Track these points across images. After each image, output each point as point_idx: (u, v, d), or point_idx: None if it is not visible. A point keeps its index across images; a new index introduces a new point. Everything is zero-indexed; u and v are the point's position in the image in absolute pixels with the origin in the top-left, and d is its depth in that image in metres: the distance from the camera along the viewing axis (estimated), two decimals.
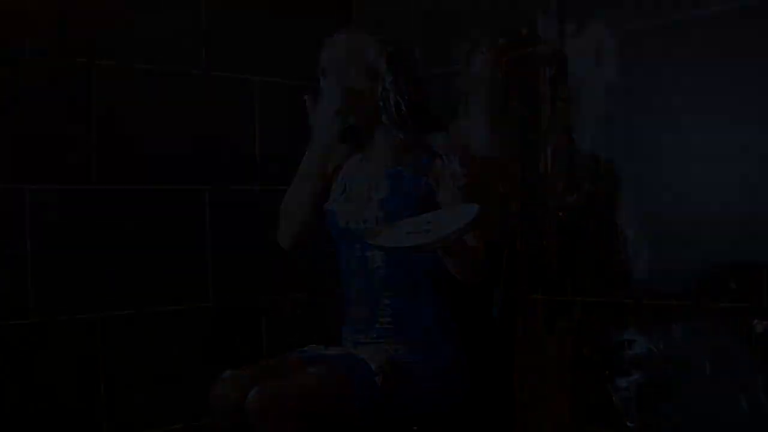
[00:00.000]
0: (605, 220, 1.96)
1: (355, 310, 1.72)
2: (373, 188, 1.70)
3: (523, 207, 2.12)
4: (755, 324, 1.69)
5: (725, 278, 1.75)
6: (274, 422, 1.41)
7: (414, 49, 1.84)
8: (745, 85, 1.71)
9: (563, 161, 2.03)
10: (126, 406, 2.10)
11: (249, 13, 2.35)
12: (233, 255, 2.31)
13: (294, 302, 2.41)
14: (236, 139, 2.33)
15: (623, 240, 1.93)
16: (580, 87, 2.01)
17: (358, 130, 1.74)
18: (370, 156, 1.75)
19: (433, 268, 1.64)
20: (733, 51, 1.73)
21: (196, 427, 2.18)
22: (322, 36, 1.71)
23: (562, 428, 2.04)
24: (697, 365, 1.78)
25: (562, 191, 2.03)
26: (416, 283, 1.68)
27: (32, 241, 1.97)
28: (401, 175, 1.69)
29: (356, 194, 1.73)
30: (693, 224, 1.81)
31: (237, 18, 2.33)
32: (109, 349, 2.09)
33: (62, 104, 2.00)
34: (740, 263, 1.73)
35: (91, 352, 2.06)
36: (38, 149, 1.99)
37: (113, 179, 2.10)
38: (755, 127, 1.70)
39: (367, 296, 1.69)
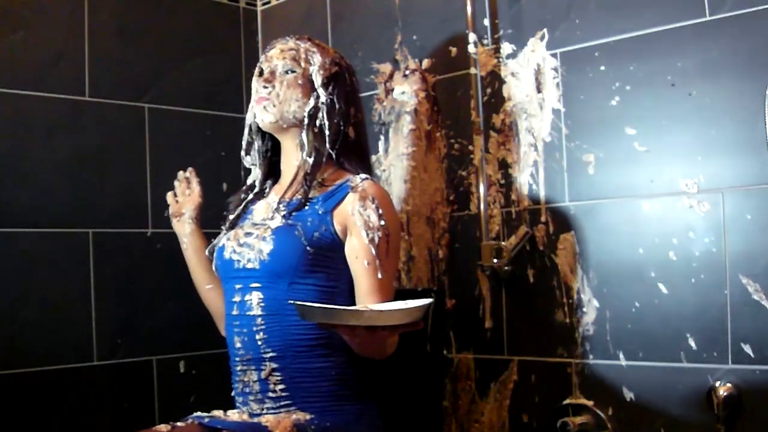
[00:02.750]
0: (546, 268, 1.84)
1: (242, 373, 1.64)
2: (267, 221, 1.65)
3: (452, 254, 2.00)
4: (717, 387, 1.57)
5: (683, 335, 1.64)
6: None
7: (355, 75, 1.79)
8: (705, 112, 1.62)
9: (498, 200, 1.91)
10: None
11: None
12: (120, 306, 2.13)
13: (188, 360, 2.25)
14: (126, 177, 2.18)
15: (567, 291, 1.81)
16: (518, 114, 1.89)
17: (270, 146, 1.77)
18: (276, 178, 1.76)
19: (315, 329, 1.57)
20: (693, 72, 1.64)
21: None
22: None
23: None
24: None
25: (498, 236, 1.89)
26: (306, 344, 1.60)
27: None
28: (301, 215, 1.62)
29: (249, 222, 1.71)
30: (647, 273, 1.69)
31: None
32: None
33: None
34: (702, 319, 1.62)
35: None
36: None
37: None
38: (718, 157, 1.61)
39: (253, 357, 1.62)
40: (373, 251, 1.56)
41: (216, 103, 2.32)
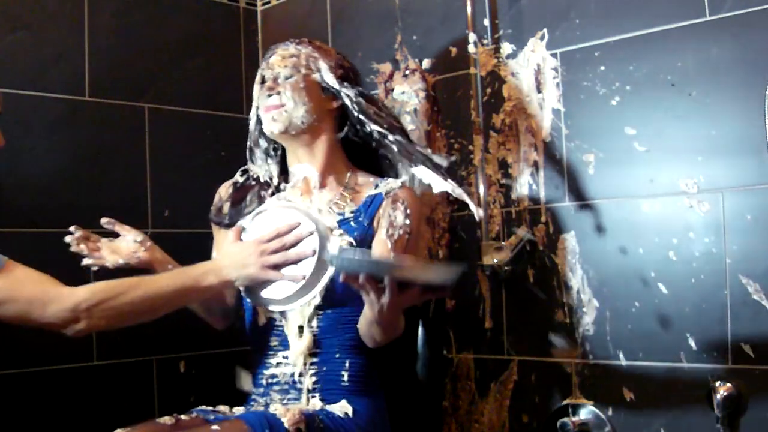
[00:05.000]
0: (546, 268, 1.83)
1: (271, 370, 1.64)
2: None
3: (452, 253, 1.99)
4: (717, 387, 1.56)
5: (683, 335, 1.63)
6: None
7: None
8: (705, 112, 1.62)
9: (499, 201, 1.90)
10: None
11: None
12: None
13: (188, 360, 2.23)
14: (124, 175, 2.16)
15: (567, 291, 1.80)
16: (518, 114, 1.88)
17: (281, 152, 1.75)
18: (298, 187, 1.71)
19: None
20: (689, 73, 1.63)
21: None
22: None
23: None
24: None
25: (498, 236, 1.88)
26: (340, 342, 1.61)
27: None
28: (348, 228, 1.63)
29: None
30: (647, 274, 1.69)
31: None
32: None
33: None
34: (702, 319, 1.61)
35: None
36: None
37: None
38: (719, 157, 1.61)
39: (290, 356, 1.62)
40: (389, 245, 1.58)
41: (216, 103, 2.32)
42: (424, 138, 2.01)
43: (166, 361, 2.17)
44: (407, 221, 1.60)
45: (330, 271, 1.55)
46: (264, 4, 2.43)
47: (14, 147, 1.95)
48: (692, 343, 1.61)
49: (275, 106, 1.65)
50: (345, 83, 1.67)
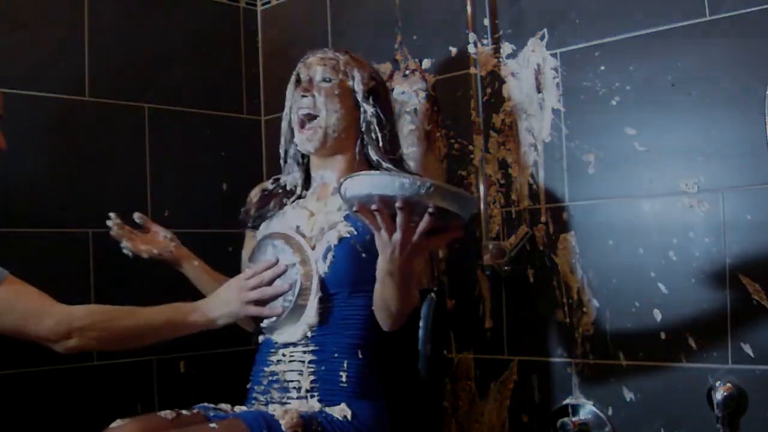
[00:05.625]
0: (546, 268, 1.83)
1: (272, 367, 1.64)
2: (323, 232, 1.63)
3: (452, 253, 1.99)
4: (717, 387, 1.57)
5: (683, 335, 1.63)
6: None
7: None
8: (705, 112, 1.62)
9: (498, 200, 1.90)
10: None
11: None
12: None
13: (188, 360, 2.23)
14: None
15: (567, 291, 1.80)
16: (518, 114, 1.88)
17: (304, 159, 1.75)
18: (317, 191, 1.72)
19: (361, 330, 1.61)
20: (692, 72, 1.63)
21: None
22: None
23: None
24: None
25: (498, 236, 1.88)
26: (338, 342, 1.61)
27: None
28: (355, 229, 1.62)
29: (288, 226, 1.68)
30: (647, 273, 1.69)
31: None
32: None
33: None
34: (702, 319, 1.62)
35: None
36: None
37: None
38: (718, 157, 1.61)
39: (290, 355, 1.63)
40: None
41: (216, 103, 2.32)
42: (424, 138, 2.01)
43: (166, 361, 2.17)
44: None
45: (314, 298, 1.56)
46: (264, 4, 2.44)
47: (14, 147, 1.96)
48: (692, 343, 1.61)
49: (308, 116, 1.66)
50: (370, 98, 1.68)
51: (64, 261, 2.04)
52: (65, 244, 2.04)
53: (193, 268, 1.80)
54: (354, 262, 1.58)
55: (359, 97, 1.67)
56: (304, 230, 1.64)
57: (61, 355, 1.93)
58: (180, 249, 1.79)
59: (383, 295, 1.50)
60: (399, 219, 1.31)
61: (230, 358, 2.18)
